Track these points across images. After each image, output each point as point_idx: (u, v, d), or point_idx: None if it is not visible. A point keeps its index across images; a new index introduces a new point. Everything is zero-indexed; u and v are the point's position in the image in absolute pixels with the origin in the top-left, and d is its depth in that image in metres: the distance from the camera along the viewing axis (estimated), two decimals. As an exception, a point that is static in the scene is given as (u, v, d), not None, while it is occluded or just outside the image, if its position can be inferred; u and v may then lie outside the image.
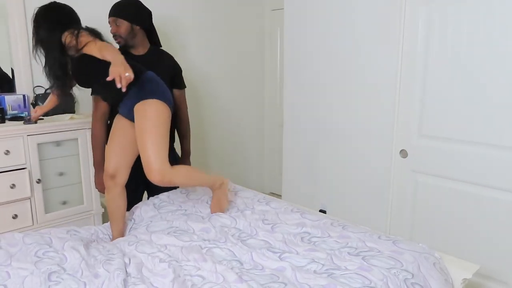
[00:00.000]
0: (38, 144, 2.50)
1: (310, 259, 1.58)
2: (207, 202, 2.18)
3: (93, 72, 1.90)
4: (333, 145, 2.90)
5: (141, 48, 2.41)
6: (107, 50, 1.76)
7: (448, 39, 2.23)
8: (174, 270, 1.50)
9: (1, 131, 2.34)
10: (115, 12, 2.33)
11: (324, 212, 2.98)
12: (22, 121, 2.50)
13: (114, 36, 2.36)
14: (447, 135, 2.30)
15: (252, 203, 2.16)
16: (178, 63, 2.64)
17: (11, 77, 2.71)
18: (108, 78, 1.68)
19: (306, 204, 3.11)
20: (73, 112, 2.83)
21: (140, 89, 1.86)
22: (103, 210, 2.83)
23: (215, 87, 3.88)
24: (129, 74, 1.67)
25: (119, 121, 1.98)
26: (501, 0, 2.02)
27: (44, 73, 1.96)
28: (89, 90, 2.55)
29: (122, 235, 1.97)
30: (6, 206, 2.40)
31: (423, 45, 2.34)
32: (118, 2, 2.35)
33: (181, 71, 2.63)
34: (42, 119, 2.64)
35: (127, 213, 2.14)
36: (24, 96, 2.68)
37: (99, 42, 1.83)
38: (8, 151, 2.37)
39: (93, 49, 1.79)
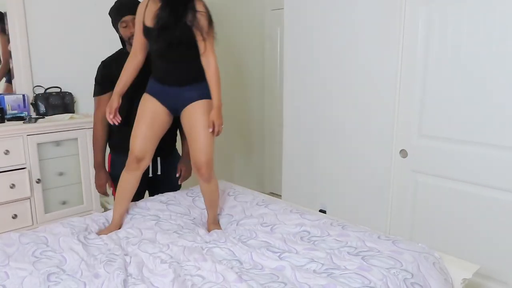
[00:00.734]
0: (38, 144, 2.50)
1: (309, 258, 1.58)
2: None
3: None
4: (333, 145, 2.90)
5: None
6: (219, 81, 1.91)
7: (448, 39, 2.23)
8: (175, 270, 1.50)
9: (1, 131, 2.34)
10: (134, 11, 2.23)
11: (324, 212, 2.98)
12: (22, 121, 2.50)
13: (132, 37, 2.23)
14: (447, 135, 2.30)
15: (251, 207, 2.14)
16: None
17: (10, 78, 2.71)
18: (210, 128, 1.87)
19: (306, 204, 3.10)
20: (72, 112, 2.83)
21: (203, 87, 1.93)
22: (103, 210, 2.83)
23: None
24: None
25: (151, 104, 1.96)
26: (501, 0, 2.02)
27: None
28: (89, 90, 2.55)
29: (122, 218, 2.00)
30: (5, 206, 2.40)
31: (423, 45, 2.34)
32: (129, 0, 2.27)
33: None
34: (43, 118, 2.65)
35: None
36: (23, 96, 2.68)
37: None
38: (7, 151, 2.37)
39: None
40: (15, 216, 2.44)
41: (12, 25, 2.65)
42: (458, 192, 2.30)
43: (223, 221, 2.10)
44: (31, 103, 2.72)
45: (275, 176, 4.37)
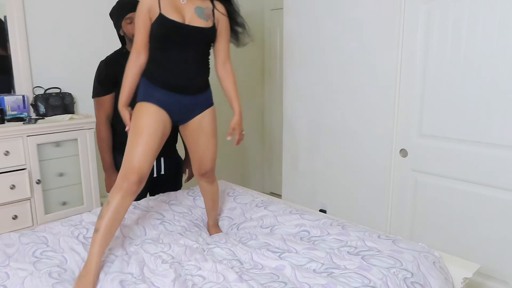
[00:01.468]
0: (38, 145, 2.50)
1: (309, 258, 1.58)
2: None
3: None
4: (333, 145, 2.90)
5: None
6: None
7: (448, 38, 2.23)
8: (175, 270, 1.50)
9: (1, 132, 2.34)
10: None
11: (324, 212, 2.98)
12: (22, 122, 2.50)
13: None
14: (447, 135, 2.30)
15: (251, 209, 2.13)
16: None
17: (10, 77, 2.71)
18: (228, 136, 1.83)
19: (306, 204, 3.10)
20: (72, 112, 2.83)
21: (210, 94, 1.91)
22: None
23: (215, 87, 3.88)
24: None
25: (155, 116, 1.68)
26: (500, -1, 2.02)
27: None
28: (89, 91, 2.55)
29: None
30: (6, 207, 2.40)
31: (423, 45, 2.34)
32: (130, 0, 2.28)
33: None
34: (42, 118, 2.64)
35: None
36: (23, 96, 2.68)
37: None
38: (7, 151, 2.37)
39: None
40: (15, 217, 2.44)
41: (12, 26, 2.65)
42: (458, 191, 2.30)
43: (223, 223, 2.10)
44: (31, 104, 2.72)
45: (275, 176, 4.37)
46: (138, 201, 2.15)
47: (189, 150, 1.92)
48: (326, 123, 2.92)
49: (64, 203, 2.67)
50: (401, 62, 2.45)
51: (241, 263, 1.60)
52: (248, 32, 1.94)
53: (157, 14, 1.66)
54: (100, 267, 1.51)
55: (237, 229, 1.99)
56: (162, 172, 2.34)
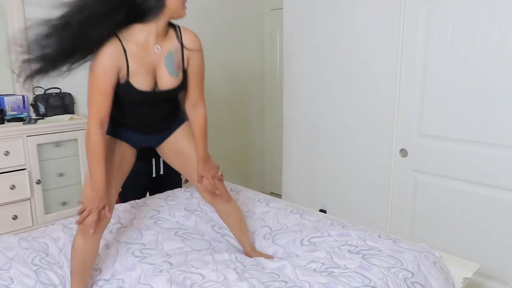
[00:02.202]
0: (38, 145, 2.49)
1: (309, 259, 1.58)
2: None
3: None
4: (333, 145, 2.90)
5: None
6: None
7: (448, 38, 2.23)
8: (174, 273, 1.49)
9: (1, 132, 2.34)
10: None
11: (324, 211, 2.97)
12: (22, 122, 2.50)
13: None
14: (447, 135, 2.30)
15: (253, 204, 2.15)
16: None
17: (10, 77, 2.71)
18: (199, 183, 1.62)
19: (306, 204, 3.10)
20: (72, 113, 2.83)
21: (182, 118, 1.73)
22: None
23: (215, 87, 3.88)
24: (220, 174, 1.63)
25: (119, 148, 1.58)
26: (500, -1, 2.02)
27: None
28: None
29: None
30: (6, 207, 2.40)
31: (423, 44, 2.33)
32: None
33: None
34: (42, 118, 2.64)
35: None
36: (23, 97, 2.68)
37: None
38: (7, 152, 2.37)
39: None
40: (15, 217, 2.44)
41: (12, 25, 2.65)
42: (458, 191, 2.30)
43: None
44: (31, 104, 2.72)
45: (275, 176, 4.37)
46: (136, 200, 2.15)
47: (182, 172, 1.76)
48: (326, 123, 2.92)
49: (64, 203, 2.67)
50: (401, 62, 2.45)
51: (242, 263, 1.60)
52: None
53: (124, 79, 1.42)
54: None
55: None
56: (161, 173, 2.34)
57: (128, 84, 1.42)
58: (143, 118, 1.58)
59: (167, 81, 1.49)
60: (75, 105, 2.89)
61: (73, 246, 1.47)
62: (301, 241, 1.75)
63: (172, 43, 1.50)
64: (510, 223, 2.12)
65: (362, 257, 1.55)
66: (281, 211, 2.05)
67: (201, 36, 4.02)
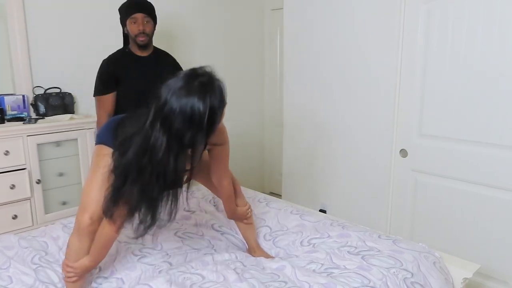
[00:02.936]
0: (38, 145, 2.49)
1: (309, 260, 1.58)
2: (209, 201, 2.18)
3: None
4: (333, 145, 2.90)
5: (149, 49, 2.42)
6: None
7: (448, 38, 2.23)
8: (174, 273, 1.49)
9: (1, 132, 2.33)
10: (146, 10, 2.31)
11: (324, 212, 2.97)
12: (22, 122, 2.50)
13: (140, 34, 2.30)
14: (447, 135, 2.30)
15: (253, 204, 2.15)
16: (178, 63, 2.65)
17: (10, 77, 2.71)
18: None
19: (306, 204, 3.10)
20: (72, 112, 2.83)
21: None
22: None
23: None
24: None
25: (108, 154, 1.47)
26: (500, -1, 2.02)
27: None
28: (89, 91, 2.55)
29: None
30: (6, 207, 2.40)
31: (423, 44, 2.33)
32: (144, 0, 2.33)
33: None
34: (43, 118, 2.64)
35: None
36: (23, 96, 2.68)
37: None
38: (7, 151, 2.37)
39: None
40: (15, 217, 2.44)
41: (12, 25, 2.65)
42: (458, 191, 2.30)
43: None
44: (31, 104, 2.72)
45: (275, 176, 4.37)
46: None
47: (204, 184, 1.77)
48: (326, 123, 2.91)
49: (64, 203, 2.66)
50: (401, 62, 2.44)
51: (242, 264, 1.60)
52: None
53: None
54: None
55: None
56: None
57: None
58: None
59: None
60: (75, 105, 2.89)
61: (68, 245, 1.48)
62: (301, 242, 1.75)
63: None
64: (510, 223, 2.12)
65: (362, 257, 1.55)
66: (281, 211, 2.05)
67: (201, 36, 4.05)
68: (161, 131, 1.19)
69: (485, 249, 2.22)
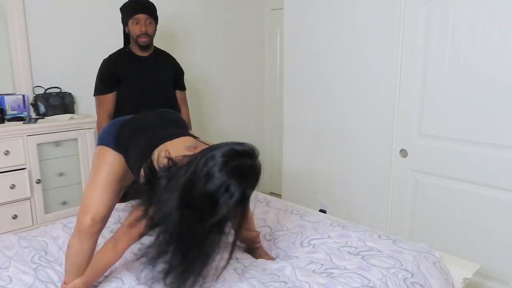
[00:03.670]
0: (38, 144, 2.49)
1: (309, 261, 1.58)
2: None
3: None
4: (333, 145, 2.90)
5: (149, 50, 2.43)
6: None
7: (448, 38, 2.23)
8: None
9: (1, 131, 2.33)
10: (148, 11, 2.31)
11: (324, 212, 2.97)
12: (22, 122, 2.50)
13: (142, 35, 2.30)
14: (447, 135, 2.30)
15: (253, 203, 2.15)
16: (178, 63, 2.65)
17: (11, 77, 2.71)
18: None
19: (306, 204, 3.10)
20: (72, 112, 2.83)
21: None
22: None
23: (215, 87, 3.88)
24: None
25: (114, 157, 1.52)
26: (500, -1, 2.02)
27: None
28: (89, 91, 2.55)
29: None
30: (6, 207, 2.40)
31: (423, 44, 2.33)
32: (146, 0, 2.34)
33: (183, 73, 2.64)
34: (43, 118, 2.64)
35: None
36: (23, 96, 2.68)
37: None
38: (7, 151, 2.37)
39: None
40: (15, 217, 2.44)
41: (12, 25, 2.65)
42: (458, 191, 2.30)
43: None
44: (31, 104, 2.72)
45: (275, 176, 4.37)
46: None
47: None
48: (326, 123, 2.91)
49: (64, 203, 2.66)
50: (401, 62, 2.44)
51: (243, 264, 1.60)
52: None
53: None
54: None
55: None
56: None
57: None
58: None
59: None
60: (75, 104, 2.89)
61: (68, 247, 1.46)
62: (301, 243, 1.75)
63: None
64: (510, 223, 2.12)
65: (362, 258, 1.55)
66: (281, 211, 2.05)
67: (202, 36, 4.05)
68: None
69: (485, 249, 2.22)
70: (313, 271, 1.51)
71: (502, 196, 2.13)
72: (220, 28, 3.82)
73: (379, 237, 1.71)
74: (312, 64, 2.94)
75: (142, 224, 1.28)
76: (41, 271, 1.55)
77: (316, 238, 1.75)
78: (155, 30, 2.39)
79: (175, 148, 1.30)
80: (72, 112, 2.83)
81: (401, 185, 2.56)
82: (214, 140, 1.98)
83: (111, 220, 1.86)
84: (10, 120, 2.54)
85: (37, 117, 2.67)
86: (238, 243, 1.81)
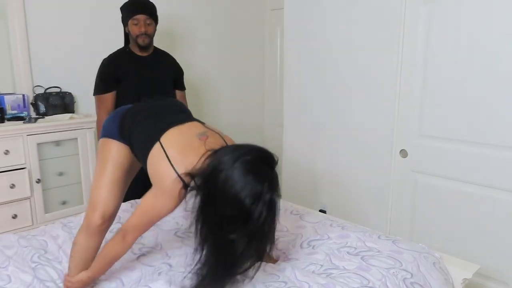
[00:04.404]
0: (38, 144, 2.49)
1: (309, 262, 1.58)
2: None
3: None
4: (333, 145, 2.90)
5: (149, 50, 2.43)
6: None
7: (448, 39, 2.23)
8: (173, 274, 1.49)
9: (1, 131, 2.34)
10: (148, 11, 2.32)
11: (324, 212, 2.97)
12: (22, 121, 2.50)
13: (142, 35, 2.31)
14: (447, 135, 2.30)
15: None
16: (178, 63, 2.65)
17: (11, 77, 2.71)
18: None
19: (306, 204, 3.10)
20: (72, 112, 2.83)
21: None
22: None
23: (215, 87, 3.88)
24: None
25: (119, 148, 1.51)
26: (501, -1, 2.02)
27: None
28: (89, 90, 2.55)
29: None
30: (5, 206, 2.40)
31: (423, 45, 2.33)
32: (146, 1, 2.34)
33: (183, 73, 2.64)
34: (43, 118, 2.64)
35: None
36: (23, 96, 2.68)
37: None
38: (7, 151, 2.37)
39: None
40: (15, 216, 2.44)
41: (12, 25, 2.65)
42: (458, 192, 2.30)
43: None
44: (31, 103, 2.72)
45: (275, 176, 4.36)
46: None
47: None
48: (326, 123, 2.91)
49: (64, 203, 2.67)
50: (401, 63, 2.44)
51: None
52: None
53: None
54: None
55: None
56: None
57: None
58: None
59: None
60: (75, 104, 2.89)
61: (74, 244, 1.46)
62: (301, 244, 1.75)
63: None
64: (510, 224, 2.12)
65: (361, 258, 1.55)
66: (281, 211, 2.04)
67: (201, 36, 4.05)
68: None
69: (485, 249, 2.22)
70: (313, 271, 1.51)
71: (502, 197, 2.13)
72: (220, 28, 3.82)
73: (378, 237, 1.71)
74: (312, 64, 2.94)
75: (150, 214, 1.32)
76: (40, 269, 1.55)
77: (316, 239, 1.75)
78: (155, 30, 2.39)
79: (188, 138, 1.35)
80: (72, 111, 2.83)
81: (401, 185, 2.56)
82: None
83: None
84: (10, 119, 2.54)
85: (37, 116, 2.67)
86: None
